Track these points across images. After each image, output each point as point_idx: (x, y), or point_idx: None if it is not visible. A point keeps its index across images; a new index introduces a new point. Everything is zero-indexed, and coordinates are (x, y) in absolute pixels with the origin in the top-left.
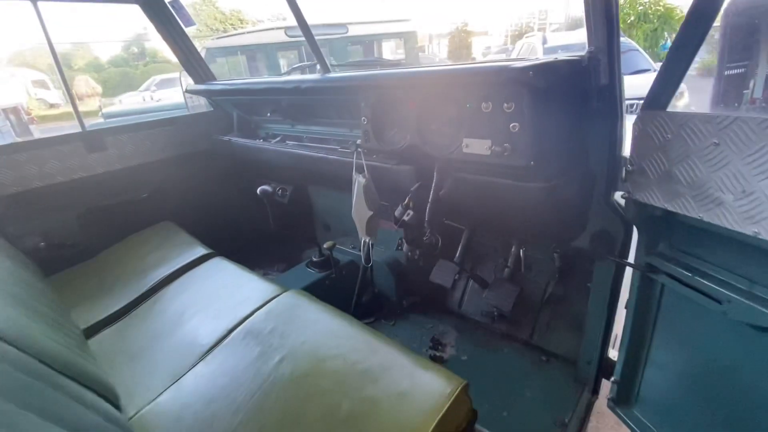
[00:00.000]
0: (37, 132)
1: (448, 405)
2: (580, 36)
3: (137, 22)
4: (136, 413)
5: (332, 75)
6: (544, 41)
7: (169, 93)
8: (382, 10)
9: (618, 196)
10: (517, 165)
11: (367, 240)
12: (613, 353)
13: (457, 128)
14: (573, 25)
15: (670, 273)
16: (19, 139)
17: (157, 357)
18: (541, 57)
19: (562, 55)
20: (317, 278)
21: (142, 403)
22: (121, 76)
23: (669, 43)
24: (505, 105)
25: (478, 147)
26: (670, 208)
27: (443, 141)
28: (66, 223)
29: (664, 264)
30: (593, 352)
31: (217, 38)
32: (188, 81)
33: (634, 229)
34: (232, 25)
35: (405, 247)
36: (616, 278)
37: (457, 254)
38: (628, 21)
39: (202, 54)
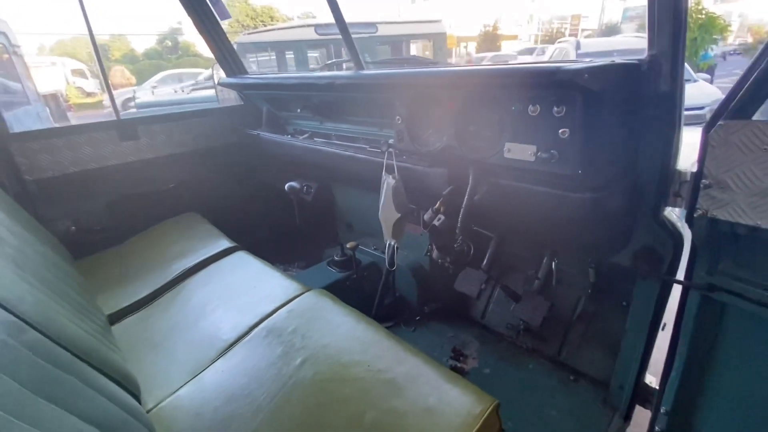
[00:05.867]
0: (74, 119)
1: (478, 426)
2: (614, 43)
3: (172, 16)
4: (156, 406)
5: (368, 72)
6: (578, 46)
7: (167, 90)
8: (412, 11)
9: (669, 212)
10: (563, 173)
11: (393, 243)
12: (649, 378)
13: (498, 132)
14: (606, 32)
15: (740, 293)
16: (57, 125)
17: (178, 348)
18: (596, 60)
19: (619, 59)
20: (338, 278)
21: (162, 395)
22: (154, 68)
23: (710, 53)
24: (556, 109)
25: (521, 152)
26: (765, 226)
27: (482, 144)
28: (96, 209)
29: (732, 283)
30: (628, 377)
31: (248, 33)
32: (221, 75)
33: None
34: (262, 21)
35: (435, 253)
36: (661, 299)
37: (485, 263)
38: None
39: None
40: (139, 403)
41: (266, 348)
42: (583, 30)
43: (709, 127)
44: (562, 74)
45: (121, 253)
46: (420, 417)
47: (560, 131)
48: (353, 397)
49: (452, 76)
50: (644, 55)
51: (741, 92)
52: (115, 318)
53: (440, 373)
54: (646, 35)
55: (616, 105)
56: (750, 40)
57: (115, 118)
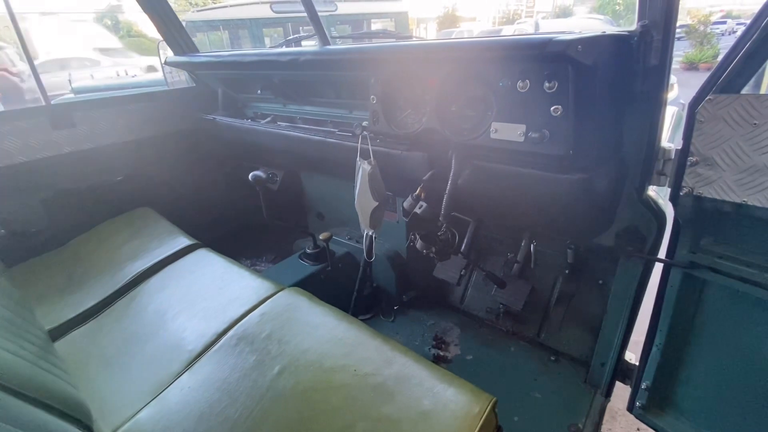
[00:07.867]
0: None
1: (478, 427)
2: (572, 25)
3: None
4: None
5: (337, 47)
6: (537, 27)
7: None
8: None
9: (652, 191)
10: (553, 154)
11: (371, 233)
12: (629, 355)
13: (484, 111)
14: (560, 14)
15: (721, 270)
16: None
17: (136, 364)
18: (584, 31)
19: (610, 29)
20: (312, 272)
21: (119, 421)
22: None
23: None
24: (547, 84)
25: (509, 132)
26: (752, 202)
27: (466, 125)
28: (30, 208)
29: (713, 261)
30: (609, 354)
31: (198, 11)
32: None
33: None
34: None
35: (419, 244)
36: (643, 277)
37: (463, 248)
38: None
39: None
40: None
41: (238, 357)
42: (538, 12)
43: (696, 103)
44: (553, 46)
45: (62, 257)
46: (415, 423)
47: (552, 108)
48: (340, 407)
49: (433, 49)
50: (634, 26)
51: (729, 67)
52: (58, 333)
53: (432, 372)
54: (599, 17)
55: (605, 80)
56: (690, 21)
57: (44, 103)
